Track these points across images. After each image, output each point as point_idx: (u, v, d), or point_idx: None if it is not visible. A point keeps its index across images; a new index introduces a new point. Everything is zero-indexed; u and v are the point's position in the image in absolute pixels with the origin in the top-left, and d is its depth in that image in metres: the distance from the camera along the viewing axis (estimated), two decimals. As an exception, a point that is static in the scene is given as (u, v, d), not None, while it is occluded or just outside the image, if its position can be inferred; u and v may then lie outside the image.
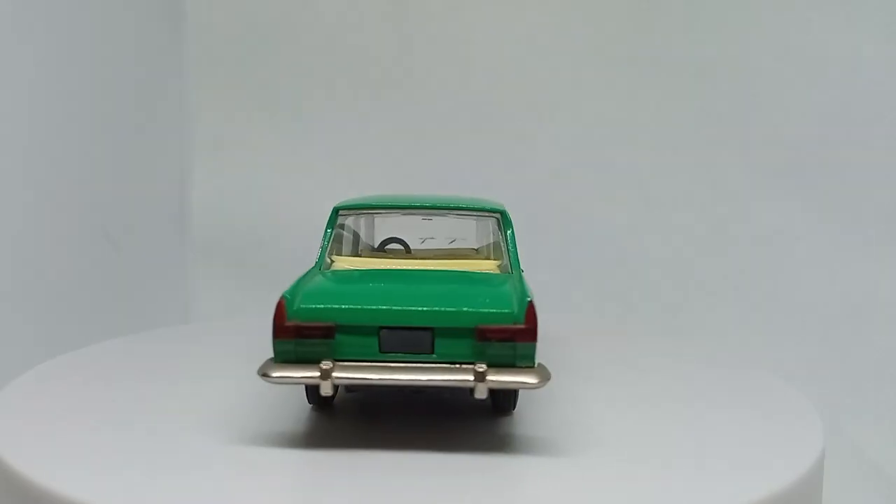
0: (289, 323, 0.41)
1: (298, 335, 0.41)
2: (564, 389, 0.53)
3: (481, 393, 0.40)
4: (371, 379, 0.41)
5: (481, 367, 0.40)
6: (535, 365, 0.41)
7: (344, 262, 0.51)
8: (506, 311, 0.41)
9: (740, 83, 0.89)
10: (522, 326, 0.40)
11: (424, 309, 0.41)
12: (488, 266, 0.49)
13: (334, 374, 0.40)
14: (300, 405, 0.48)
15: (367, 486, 0.38)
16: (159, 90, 0.97)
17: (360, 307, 0.41)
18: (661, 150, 0.92)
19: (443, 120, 0.96)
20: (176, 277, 1.00)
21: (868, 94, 0.86)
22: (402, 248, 0.57)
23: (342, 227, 0.54)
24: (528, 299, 0.41)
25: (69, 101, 0.83)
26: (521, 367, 0.40)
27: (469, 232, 0.57)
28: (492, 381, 0.40)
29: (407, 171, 0.96)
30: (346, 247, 0.54)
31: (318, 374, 0.40)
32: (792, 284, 0.89)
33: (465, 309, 0.41)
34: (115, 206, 0.89)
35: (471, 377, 0.40)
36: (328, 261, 0.51)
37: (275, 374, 0.41)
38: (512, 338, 0.40)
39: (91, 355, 0.59)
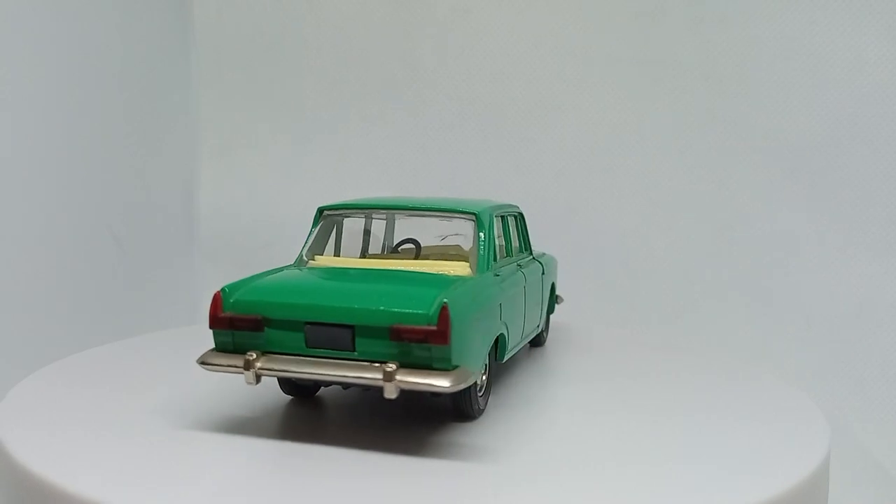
0: (222, 314, 0.43)
1: (232, 326, 0.43)
2: (567, 391, 0.54)
3: (390, 392, 0.40)
4: (290, 371, 0.42)
5: (390, 367, 0.40)
6: (453, 367, 0.40)
7: (321, 262, 0.51)
8: (420, 311, 0.40)
9: (747, 85, 0.89)
10: (434, 328, 0.40)
11: (343, 306, 0.41)
12: (456, 267, 0.48)
13: (257, 366, 0.42)
14: (299, 403, 0.49)
15: (348, 489, 0.38)
16: (167, 96, 0.98)
17: (283, 302, 0.42)
18: (667, 152, 0.91)
19: (447, 121, 0.96)
20: (183, 279, 1.00)
21: (874, 97, 0.85)
22: (413, 247, 0.58)
23: (340, 229, 0.54)
24: (444, 302, 0.40)
25: (77, 106, 0.84)
26: (436, 370, 0.40)
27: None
28: (400, 381, 0.40)
29: (410, 173, 0.96)
30: (350, 248, 0.54)
31: (241, 364, 0.42)
32: (797, 286, 0.89)
33: (381, 308, 0.41)
34: (124, 210, 0.90)
35: (380, 376, 0.40)
36: (305, 259, 0.51)
37: (208, 362, 0.43)
38: (425, 339, 0.40)
39: (97, 357, 0.59)
